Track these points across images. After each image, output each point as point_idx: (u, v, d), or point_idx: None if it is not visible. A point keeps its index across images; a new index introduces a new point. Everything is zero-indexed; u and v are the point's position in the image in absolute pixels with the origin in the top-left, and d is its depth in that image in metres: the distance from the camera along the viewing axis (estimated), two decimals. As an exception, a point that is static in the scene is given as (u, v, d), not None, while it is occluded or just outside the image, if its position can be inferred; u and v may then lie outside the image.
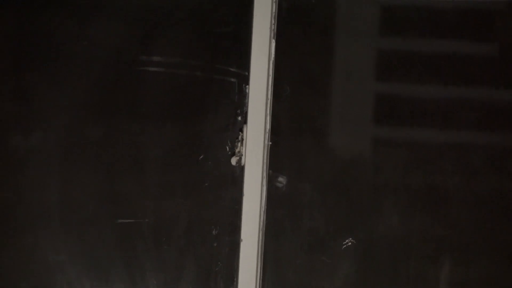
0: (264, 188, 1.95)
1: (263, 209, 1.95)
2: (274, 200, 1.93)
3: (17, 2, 1.97)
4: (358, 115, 1.98)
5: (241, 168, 1.93)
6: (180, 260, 1.93)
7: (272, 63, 1.94)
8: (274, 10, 1.94)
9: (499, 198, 1.87)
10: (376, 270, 1.91)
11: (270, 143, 1.93)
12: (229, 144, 1.93)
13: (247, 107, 1.93)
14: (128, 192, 1.95)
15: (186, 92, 1.96)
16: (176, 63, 1.96)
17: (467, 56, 1.95)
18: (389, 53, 1.99)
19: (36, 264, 1.93)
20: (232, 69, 1.95)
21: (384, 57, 1.98)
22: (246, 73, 1.94)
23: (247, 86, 1.93)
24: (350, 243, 1.91)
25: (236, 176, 1.93)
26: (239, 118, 1.93)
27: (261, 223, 1.94)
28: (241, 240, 1.93)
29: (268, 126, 1.94)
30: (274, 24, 1.94)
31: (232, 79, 1.95)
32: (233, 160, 1.93)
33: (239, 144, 1.93)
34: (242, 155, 1.93)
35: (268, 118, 1.94)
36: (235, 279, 1.92)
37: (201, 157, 1.94)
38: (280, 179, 1.94)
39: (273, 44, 1.94)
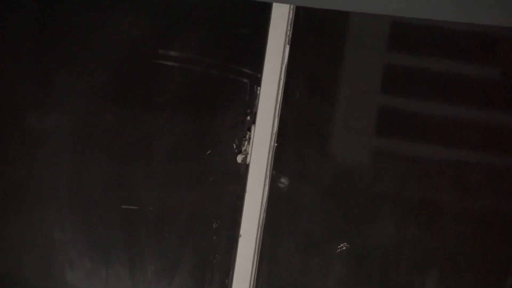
0: (267, 187, 1.96)
1: (263, 207, 1.96)
2: (275, 200, 1.94)
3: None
4: (362, 125, 1.98)
5: (246, 166, 1.93)
6: (179, 249, 1.94)
7: (285, 68, 1.94)
8: (291, 17, 1.95)
9: (491, 218, 1.87)
10: (366, 276, 1.92)
11: (276, 144, 1.94)
12: (236, 142, 1.94)
13: (256, 108, 1.94)
14: (135, 179, 1.96)
15: (199, 88, 1.97)
16: (192, 60, 1.96)
17: (472, 77, 1.95)
18: (397, 68, 2.00)
19: (41, 240, 1.95)
20: (245, 70, 1.95)
21: (391, 72, 1.99)
22: (259, 75, 1.94)
23: (259, 88, 1.94)
24: (344, 248, 1.92)
25: (241, 174, 1.94)
26: (248, 118, 1.94)
27: (261, 221, 1.95)
28: (240, 235, 1.94)
29: (275, 128, 1.95)
30: (289, 30, 1.94)
31: (245, 80, 1.95)
32: (239, 158, 1.94)
33: (246, 142, 1.94)
34: (248, 153, 1.94)
35: (276, 120, 1.95)
36: (231, 272, 1.94)
37: (209, 152, 1.95)
38: (283, 180, 1.95)
39: (287, 50, 1.94)
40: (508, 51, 1.91)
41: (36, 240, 1.95)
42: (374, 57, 1.99)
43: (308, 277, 1.94)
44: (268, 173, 1.95)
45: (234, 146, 1.95)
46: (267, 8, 1.93)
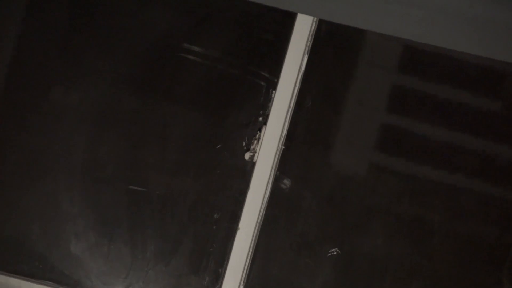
0: (269, 186, 1.99)
1: (264, 205, 1.99)
2: (276, 199, 1.98)
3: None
4: (364, 139, 2.02)
5: (252, 164, 1.97)
6: (179, 235, 1.98)
7: (301, 76, 1.98)
8: (313, 29, 1.99)
9: (477, 242, 1.93)
10: (352, 283, 1.97)
11: (283, 147, 1.97)
12: (246, 140, 1.98)
13: (269, 110, 1.98)
14: (146, 163, 1.99)
15: (217, 85, 2.00)
16: (214, 57, 2.00)
17: (474, 108, 1.99)
18: (404, 89, 2.03)
19: (51, 211, 1.98)
20: (263, 73, 1.99)
21: (398, 92, 2.03)
22: (275, 80, 1.98)
23: (274, 92, 1.98)
24: (335, 252, 1.96)
25: (246, 170, 1.98)
26: (260, 118, 1.98)
27: (260, 217, 1.99)
28: (238, 228, 1.97)
29: (285, 131, 1.98)
30: (310, 41, 1.98)
31: (262, 83, 1.99)
32: (247, 155, 1.98)
33: (255, 142, 1.98)
34: (255, 152, 1.98)
35: (287, 124, 1.98)
36: (225, 262, 1.97)
37: (219, 146, 1.98)
38: (285, 181, 1.99)
39: (305, 59, 1.98)
40: (509, 86, 1.98)
41: (46, 209, 1.98)
42: (384, 77, 2.02)
43: (297, 276, 1.98)
44: (272, 173, 1.98)
45: (244, 144, 1.99)
46: (292, 18, 1.97)
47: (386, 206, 2.00)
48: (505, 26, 1.84)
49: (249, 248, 1.98)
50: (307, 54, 1.98)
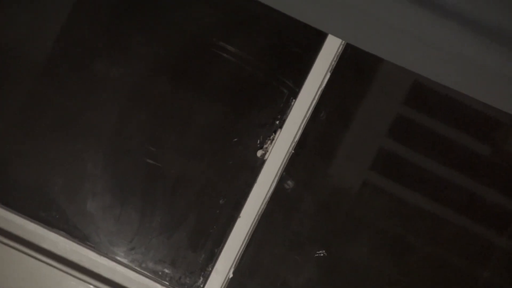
0: (274, 184, 2.06)
1: (266, 200, 2.06)
2: (278, 197, 2.06)
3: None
4: (364, 158, 2.08)
5: (262, 161, 2.05)
6: (185, 212, 2.05)
7: (321, 91, 2.04)
8: (339, 51, 2.05)
9: (451, 269, 2.02)
10: (332, 284, 2.05)
11: (293, 151, 2.04)
12: (261, 139, 2.06)
13: (287, 116, 2.05)
14: (167, 143, 2.04)
15: (244, 84, 2.06)
16: (245, 59, 2.05)
17: (469, 149, 2.07)
18: (406, 119, 2.09)
19: (75, 168, 2.03)
20: (288, 82, 2.05)
21: (400, 121, 2.09)
22: (297, 90, 2.04)
23: (294, 100, 2.05)
24: (322, 254, 2.04)
25: (256, 166, 2.05)
26: (277, 122, 2.05)
27: (260, 210, 2.06)
28: (239, 216, 2.04)
29: (297, 138, 2.05)
30: (335, 61, 2.04)
31: (285, 90, 2.06)
32: (259, 153, 2.05)
33: (268, 142, 2.05)
34: (267, 151, 2.05)
35: (300, 131, 2.05)
36: (222, 245, 2.05)
37: (235, 140, 2.05)
38: (289, 182, 2.06)
39: (327, 77, 2.04)
40: (500, 133, 2.05)
41: (71, 166, 2.03)
42: (391, 105, 2.07)
43: (284, 269, 2.06)
44: (279, 172, 2.05)
45: (258, 142, 2.06)
46: (322, 37, 2.03)
47: (373, 220, 2.07)
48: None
49: (246, 236, 2.05)
50: (330, 72, 2.04)
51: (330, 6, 1.91)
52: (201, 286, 2.04)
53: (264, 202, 2.07)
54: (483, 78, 1.90)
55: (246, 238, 2.06)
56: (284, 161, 2.06)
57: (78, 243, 2.03)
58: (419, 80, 2.06)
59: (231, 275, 2.04)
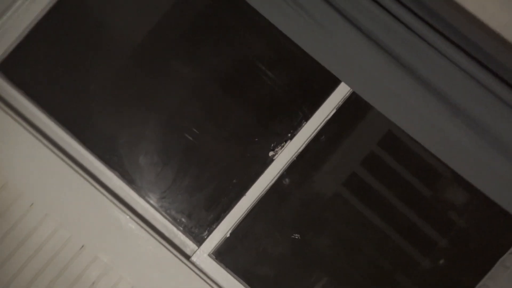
0: (275, 178, 2.35)
1: (267, 188, 2.34)
2: (276, 188, 2.34)
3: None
4: (340, 176, 2.34)
5: (271, 160, 2.34)
6: (207, 182, 2.36)
7: (326, 121, 2.34)
8: (346, 95, 2.34)
9: (383, 274, 2.32)
10: (298, 261, 2.36)
11: (295, 159, 2.33)
12: (274, 144, 2.35)
13: (297, 132, 2.34)
14: (206, 129, 2.35)
15: (272, 102, 2.37)
16: (278, 84, 2.38)
17: (415, 188, 2.34)
18: (376, 156, 2.35)
19: (138, 131, 2.35)
20: (304, 108, 2.36)
21: (372, 156, 2.35)
22: (309, 116, 2.33)
23: (305, 123, 2.35)
24: (296, 237, 2.35)
25: (266, 162, 2.35)
26: (289, 135, 2.34)
27: (261, 194, 2.34)
28: (245, 195, 2.34)
29: (300, 150, 2.34)
30: (341, 102, 2.33)
31: (300, 113, 2.35)
32: (270, 153, 2.35)
33: (279, 147, 2.35)
34: (276, 154, 2.34)
35: (303, 146, 2.34)
36: (227, 212, 2.33)
37: (256, 139, 2.36)
38: (286, 180, 2.36)
39: (333, 112, 2.34)
40: (443, 186, 2.29)
41: (135, 129, 2.35)
42: (369, 142, 2.36)
43: (266, 241, 2.37)
44: (281, 171, 2.34)
45: (271, 146, 2.35)
46: (337, 82, 2.31)
47: (337, 222, 2.38)
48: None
49: (245, 210, 2.35)
50: (335, 109, 2.33)
51: (349, 64, 2.15)
52: (205, 237, 2.36)
53: (265, 190, 2.35)
54: (446, 142, 2.10)
55: (245, 212, 2.34)
56: (287, 164, 2.34)
57: (126, 183, 2.37)
58: (393, 130, 2.35)
59: (228, 235, 2.35)
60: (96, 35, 2.48)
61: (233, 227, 2.39)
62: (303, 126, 2.39)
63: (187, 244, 2.43)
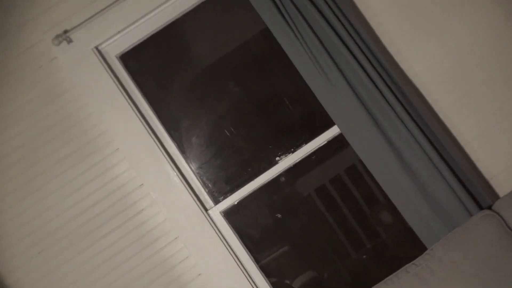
0: (276, 175, 3.14)
1: (269, 179, 3.14)
2: (274, 182, 3.15)
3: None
4: (315, 184, 3.08)
5: (276, 162, 3.15)
6: (230, 165, 3.20)
7: (318, 146, 3.11)
8: (335, 134, 3.11)
9: (325, 254, 3.27)
10: (276, 234, 3.19)
11: (291, 166, 3.13)
12: (283, 150, 3.12)
13: (297, 149, 3.11)
14: (239, 131, 3.12)
15: (286, 124, 3.14)
16: (292, 112, 3.25)
17: (363, 209, 3.29)
18: (341, 178, 3.12)
19: (196, 123, 3.24)
20: (306, 134, 3.12)
21: (339, 177, 3.12)
22: (309, 140, 3.07)
23: (304, 144, 3.14)
24: (279, 216, 3.21)
25: (272, 163, 3.14)
26: (292, 149, 3.10)
27: (263, 183, 3.14)
28: (253, 180, 3.16)
29: (297, 161, 3.13)
30: (331, 138, 3.11)
31: (303, 137, 3.14)
32: (277, 158, 3.16)
33: (283, 156, 3.13)
34: (281, 159, 3.13)
35: (299, 159, 3.13)
36: (239, 188, 3.11)
37: (270, 146, 3.18)
38: (282, 178, 3.18)
39: (325, 142, 3.11)
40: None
41: (194, 121, 3.26)
42: (339, 169, 3.11)
43: (258, 214, 3.21)
44: (280, 171, 3.13)
45: (279, 153, 3.13)
46: (331, 123, 3.03)
47: (307, 212, 3.23)
48: None
49: (251, 190, 3.17)
50: (327, 141, 3.12)
51: (342, 113, 2.79)
52: (220, 200, 3.13)
53: (267, 180, 3.19)
54: (392, 179, 3.01)
55: (250, 192, 3.18)
56: (285, 168, 3.17)
57: (179, 152, 3.21)
58: (356, 164, 3.19)
59: (235, 203, 3.13)
60: (185, 54, 3.49)
61: (240, 199, 3.17)
62: (302, 146, 3.18)
63: (208, 201, 3.22)
